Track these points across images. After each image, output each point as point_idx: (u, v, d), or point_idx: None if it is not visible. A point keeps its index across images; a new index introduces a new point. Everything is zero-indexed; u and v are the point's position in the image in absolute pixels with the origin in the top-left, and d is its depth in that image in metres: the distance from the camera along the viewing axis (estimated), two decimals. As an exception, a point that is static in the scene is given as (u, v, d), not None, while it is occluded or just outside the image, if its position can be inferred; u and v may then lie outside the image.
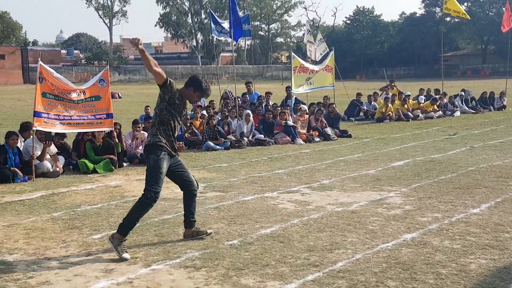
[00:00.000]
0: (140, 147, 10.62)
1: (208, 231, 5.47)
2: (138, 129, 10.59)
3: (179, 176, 5.29)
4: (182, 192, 5.39)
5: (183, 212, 5.44)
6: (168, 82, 5.05)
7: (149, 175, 4.98)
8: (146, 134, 10.41)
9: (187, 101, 5.26)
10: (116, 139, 9.82)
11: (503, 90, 22.84)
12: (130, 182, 8.50)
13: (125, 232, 4.94)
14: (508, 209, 6.41)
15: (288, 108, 14.56)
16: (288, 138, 13.00)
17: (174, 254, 4.98)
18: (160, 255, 4.95)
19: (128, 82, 60.50)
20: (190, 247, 5.18)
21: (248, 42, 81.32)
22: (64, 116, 9.06)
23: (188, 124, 12.73)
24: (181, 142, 5.37)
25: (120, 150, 9.86)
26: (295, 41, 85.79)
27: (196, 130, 12.77)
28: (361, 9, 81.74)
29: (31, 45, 68.86)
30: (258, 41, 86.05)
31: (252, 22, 73.89)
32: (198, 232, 5.40)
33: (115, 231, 5.01)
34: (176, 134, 5.20)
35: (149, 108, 14.70)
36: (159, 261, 4.80)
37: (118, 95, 31.96)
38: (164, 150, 5.01)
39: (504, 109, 21.45)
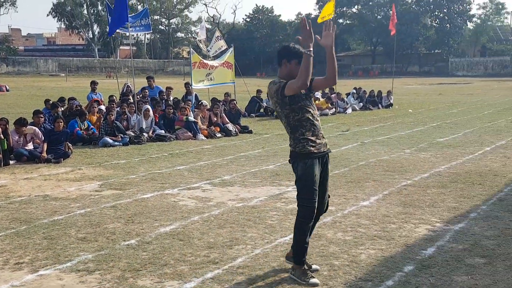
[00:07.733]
0: (30, 144, 9.97)
1: (313, 266, 4.48)
2: (40, 119, 9.89)
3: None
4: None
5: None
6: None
7: (300, 187, 4.27)
8: (35, 129, 9.82)
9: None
10: (1, 135, 9.14)
11: (390, 89, 24.34)
12: (17, 181, 7.94)
13: (300, 261, 4.32)
14: (394, 201, 6.78)
15: (189, 103, 14.43)
16: (189, 133, 12.86)
17: (65, 258, 4.70)
18: (49, 259, 4.65)
19: (18, 74, 56.76)
20: (83, 249, 4.93)
21: (148, 36, 79.66)
22: None
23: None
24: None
25: (6, 147, 9.20)
26: (196, 36, 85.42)
27: (92, 126, 12.24)
28: (260, 8, 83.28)
29: None
30: (158, 36, 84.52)
31: (152, 16, 72.41)
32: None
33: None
34: (318, 125, 4.40)
35: (50, 101, 13.67)
36: (47, 266, 4.51)
37: (6, 87, 29.83)
38: (313, 156, 4.24)
39: (391, 107, 22.77)
